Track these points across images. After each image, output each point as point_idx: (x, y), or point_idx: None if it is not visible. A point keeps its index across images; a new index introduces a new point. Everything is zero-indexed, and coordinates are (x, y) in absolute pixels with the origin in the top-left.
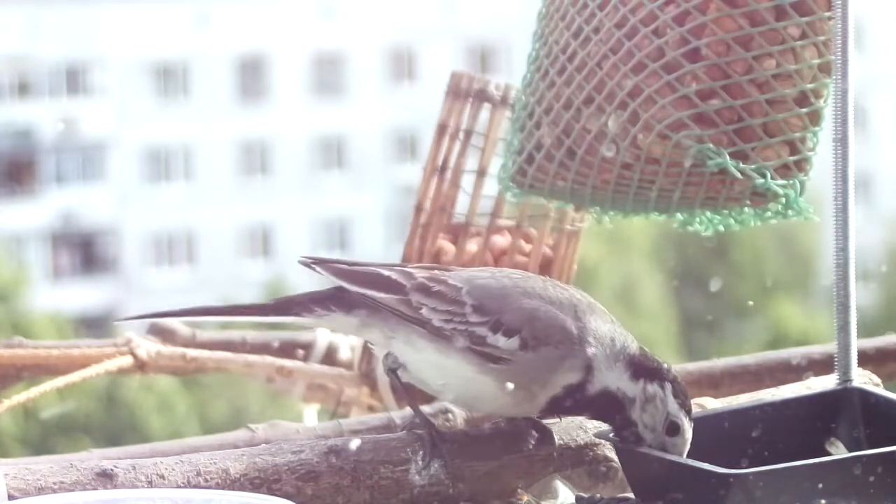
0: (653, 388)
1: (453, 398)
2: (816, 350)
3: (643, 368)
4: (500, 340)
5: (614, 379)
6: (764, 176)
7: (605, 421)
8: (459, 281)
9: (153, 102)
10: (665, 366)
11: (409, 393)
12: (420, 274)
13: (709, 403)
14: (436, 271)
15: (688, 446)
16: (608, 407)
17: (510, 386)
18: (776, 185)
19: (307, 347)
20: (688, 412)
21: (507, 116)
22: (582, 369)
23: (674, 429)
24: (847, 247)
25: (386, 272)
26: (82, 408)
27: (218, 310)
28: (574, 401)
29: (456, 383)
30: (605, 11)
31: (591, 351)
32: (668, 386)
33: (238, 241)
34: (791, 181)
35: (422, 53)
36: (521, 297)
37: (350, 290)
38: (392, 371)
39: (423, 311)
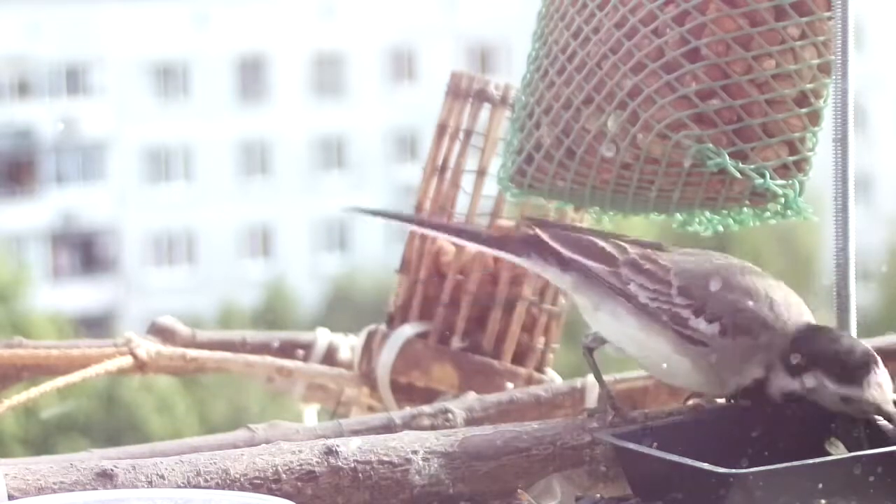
0: (810, 380)
1: (649, 369)
2: None
3: (800, 352)
4: (702, 325)
5: (781, 378)
6: (763, 176)
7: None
8: (668, 262)
9: (153, 102)
10: (816, 347)
11: (596, 370)
12: (633, 250)
13: (709, 403)
14: (648, 250)
15: (879, 392)
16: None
17: (704, 367)
18: (775, 185)
19: (307, 347)
20: (854, 377)
21: (506, 116)
22: (767, 366)
23: (848, 400)
24: (847, 247)
25: (601, 243)
26: (82, 408)
27: (437, 225)
28: (761, 394)
29: (654, 358)
30: (604, 11)
31: (776, 347)
32: (819, 373)
33: (238, 241)
34: (790, 181)
35: (422, 53)
36: (727, 286)
37: (565, 257)
38: (588, 350)
39: (631, 286)
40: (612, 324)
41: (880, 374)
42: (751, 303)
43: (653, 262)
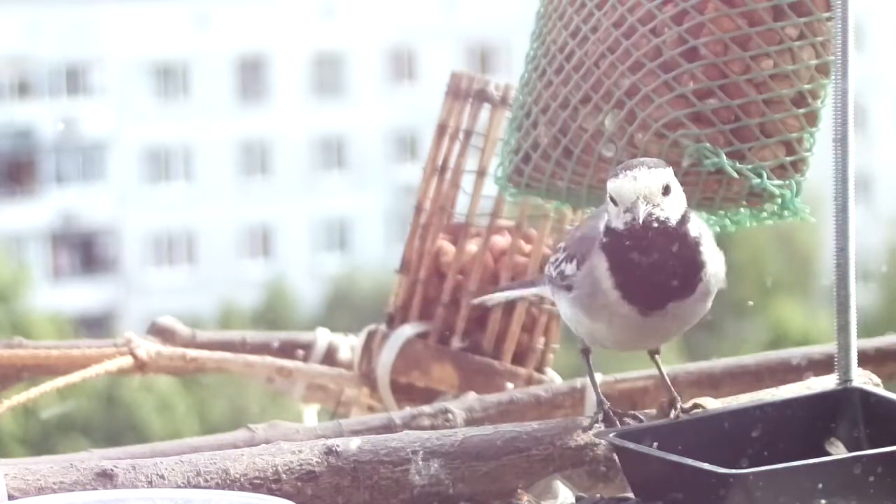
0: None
1: (589, 340)
2: (816, 350)
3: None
4: (568, 268)
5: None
6: (760, 176)
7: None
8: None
9: (153, 102)
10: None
11: (590, 372)
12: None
13: (709, 403)
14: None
15: (630, 183)
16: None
17: (592, 309)
18: (773, 185)
19: (307, 347)
20: (617, 173)
21: (506, 116)
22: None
23: (611, 198)
24: (847, 247)
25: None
26: (82, 408)
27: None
28: (628, 270)
29: (576, 325)
30: (602, 10)
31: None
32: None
33: (238, 241)
34: (787, 181)
35: (422, 53)
36: (587, 226)
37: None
38: (584, 353)
39: (547, 268)
40: (560, 312)
41: (645, 171)
42: (589, 229)
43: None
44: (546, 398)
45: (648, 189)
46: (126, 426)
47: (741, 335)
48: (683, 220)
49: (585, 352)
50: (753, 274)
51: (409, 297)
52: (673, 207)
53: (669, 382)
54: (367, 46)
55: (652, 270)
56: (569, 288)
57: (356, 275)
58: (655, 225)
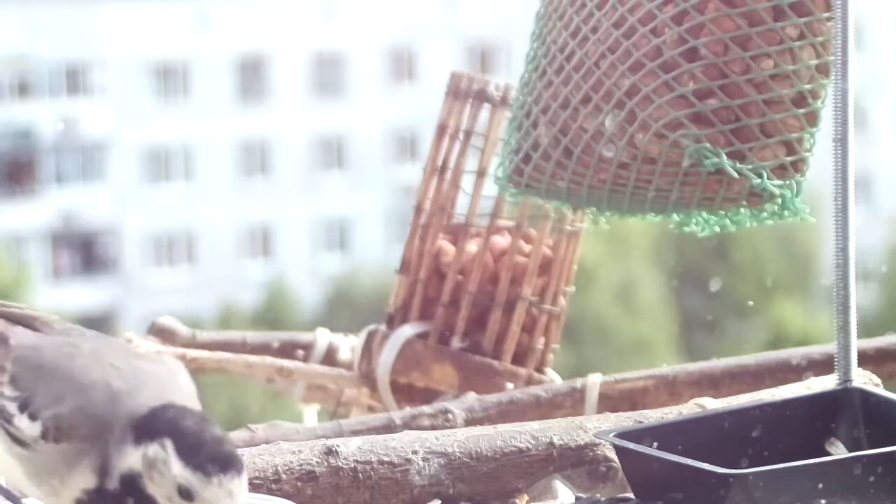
0: (153, 449)
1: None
2: (816, 350)
3: (146, 427)
4: (24, 423)
5: (124, 459)
6: (761, 176)
7: None
8: (18, 341)
9: (153, 102)
10: (173, 417)
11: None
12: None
13: (709, 403)
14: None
15: (230, 499)
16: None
17: (36, 474)
18: (773, 185)
19: (307, 348)
20: (205, 465)
21: (506, 117)
22: (99, 470)
23: (186, 493)
24: (847, 247)
25: None
26: None
27: None
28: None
29: None
30: (603, 11)
31: (114, 445)
32: (169, 442)
33: (238, 241)
34: (788, 181)
35: (422, 53)
36: (65, 376)
37: None
38: None
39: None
40: None
41: (239, 484)
42: (81, 400)
43: (2, 342)
44: (546, 398)
45: None
46: None
47: (741, 335)
48: None
49: None
50: (753, 274)
51: (409, 297)
52: None
53: None
54: (367, 46)
55: None
56: (20, 441)
57: (356, 275)
58: None
